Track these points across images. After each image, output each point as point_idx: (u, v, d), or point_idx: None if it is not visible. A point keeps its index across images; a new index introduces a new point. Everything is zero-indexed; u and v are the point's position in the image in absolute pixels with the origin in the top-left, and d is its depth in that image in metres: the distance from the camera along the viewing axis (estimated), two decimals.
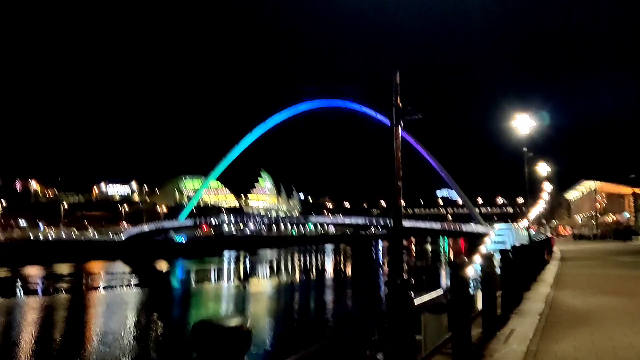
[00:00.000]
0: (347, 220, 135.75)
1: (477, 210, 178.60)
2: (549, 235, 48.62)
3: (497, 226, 53.79)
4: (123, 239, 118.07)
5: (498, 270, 11.02)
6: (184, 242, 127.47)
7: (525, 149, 36.48)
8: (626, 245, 49.93)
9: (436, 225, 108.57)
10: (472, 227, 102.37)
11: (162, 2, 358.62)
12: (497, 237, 45.71)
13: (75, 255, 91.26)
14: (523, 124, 31.90)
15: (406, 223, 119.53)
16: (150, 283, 56.62)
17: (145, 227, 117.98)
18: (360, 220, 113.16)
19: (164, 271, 77.21)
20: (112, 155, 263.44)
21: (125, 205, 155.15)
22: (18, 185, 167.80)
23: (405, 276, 6.41)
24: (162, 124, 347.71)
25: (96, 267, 79.97)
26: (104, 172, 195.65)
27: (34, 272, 70.27)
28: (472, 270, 14.03)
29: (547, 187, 56.12)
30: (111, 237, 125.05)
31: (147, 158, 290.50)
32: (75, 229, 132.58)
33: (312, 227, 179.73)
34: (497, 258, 11.34)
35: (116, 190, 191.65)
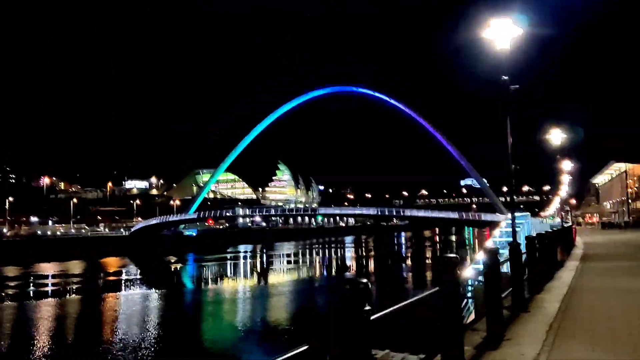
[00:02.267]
0: (359, 211, 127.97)
1: (500, 199, 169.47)
2: (569, 224, 40.27)
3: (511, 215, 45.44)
4: (127, 234, 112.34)
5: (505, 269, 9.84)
6: (194, 235, 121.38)
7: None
8: None
9: (453, 215, 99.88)
10: (491, 217, 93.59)
11: None
12: (509, 228, 37.47)
13: (83, 252, 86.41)
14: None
15: (420, 213, 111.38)
16: (163, 282, 52.00)
17: (153, 221, 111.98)
18: (372, 211, 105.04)
19: (174, 269, 71.30)
20: (133, 151, 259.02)
21: (138, 200, 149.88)
22: (38, 182, 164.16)
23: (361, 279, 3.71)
24: (181, 118, 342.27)
25: (110, 264, 75.29)
26: (125, 169, 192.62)
27: (43, 270, 65.71)
28: (471, 270, 12.84)
29: (567, 168, 48.40)
30: (122, 232, 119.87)
31: (168, 154, 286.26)
32: (86, 225, 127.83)
33: (320, 218, 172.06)
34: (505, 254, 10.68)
35: (134, 185, 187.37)
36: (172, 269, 71.14)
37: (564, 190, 60.63)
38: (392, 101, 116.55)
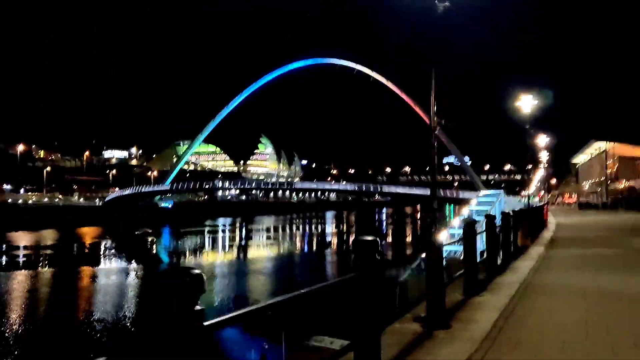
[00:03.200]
0: (336, 187, 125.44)
1: (481, 177, 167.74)
2: (541, 203, 37.48)
3: (483, 192, 42.34)
4: (100, 204, 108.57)
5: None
6: (169, 207, 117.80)
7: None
8: None
9: (426, 192, 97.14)
10: (469, 194, 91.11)
11: None
12: (478, 206, 34.55)
13: (55, 221, 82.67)
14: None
15: (399, 189, 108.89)
16: (136, 255, 48.88)
17: (126, 191, 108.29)
18: (349, 187, 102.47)
19: (149, 240, 68.01)
20: (114, 121, 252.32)
21: (115, 170, 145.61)
22: (14, 150, 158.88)
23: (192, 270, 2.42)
24: (164, 88, 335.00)
25: (84, 234, 72.47)
26: (105, 138, 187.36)
27: (14, 240, 61.81)
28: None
29: (542, 143, 45.97)
30: (97, 202, 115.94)
31: (150, 124, 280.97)
32: (59, 194, 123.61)
33: (301, 193, 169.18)
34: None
35: (113, 154, 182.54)
36: (147, 241, 68.14)
37: (543, 168, 57.95)
38: (374, 74, 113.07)
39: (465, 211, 34.66)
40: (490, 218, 11.65)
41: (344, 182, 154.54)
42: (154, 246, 64.09)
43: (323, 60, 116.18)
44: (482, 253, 12.61)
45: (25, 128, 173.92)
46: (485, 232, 11.32)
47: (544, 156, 53.84)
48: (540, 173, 64.97)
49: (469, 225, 9.18)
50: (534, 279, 10.79)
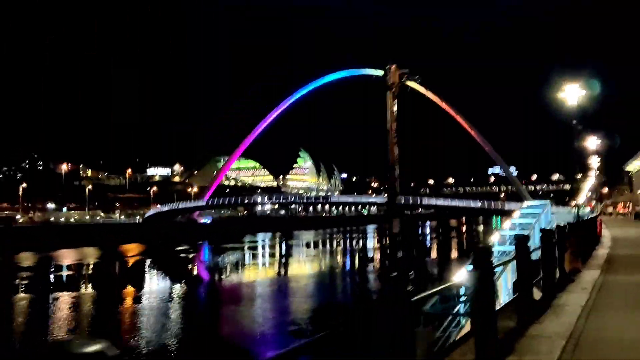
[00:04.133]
0: (372, 200, 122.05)
1: (528, 187, 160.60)
2: (594, 214, 33.01)
3: (527, 203, 38.08)
4: (140, 221, 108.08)
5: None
6: (208, 223, 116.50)
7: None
8: None
9: (475, 204, 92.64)
10: (515, 205, 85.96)
11: None
12: (522, 219, 30.55)
13: (96, 239, 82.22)
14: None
15: (439, 202, 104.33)
16: (174, 274, 47.89)
17: (165, 208, 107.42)
18: (379, 200, 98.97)
19: (186, 258, 66.60)
20: (157, 138, 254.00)
21: (157, 187, 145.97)
22: (60, 168, 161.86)
23: None
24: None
25: (129, 251, 73.38)
26: (149, 156, 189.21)
27: (59, 258, 62.96)
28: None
29: (593, 146, 41.47)
30: (138, 219, 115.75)
31: (192, 141, 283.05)
32: (101, 212, 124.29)
33: (341, 206, 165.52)
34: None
35: (156, 172, 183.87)
36: (184, 259, 66.63)
37: (593, 175, 52.93)
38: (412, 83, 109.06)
39: (506, 225, 30.69)
40: (522, 241, 8.13)
41: (385, 194, 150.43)
42: (194, 263, 62.59)
43: (359, 71, 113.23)
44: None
45: (70, 146, 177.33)
46: (516, 259, 7.87)
47: (594, 162, 48.92)
48: (590, 181, 59.70)
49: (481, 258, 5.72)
50: (588, 326, 7.25)
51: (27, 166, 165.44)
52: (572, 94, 25.23)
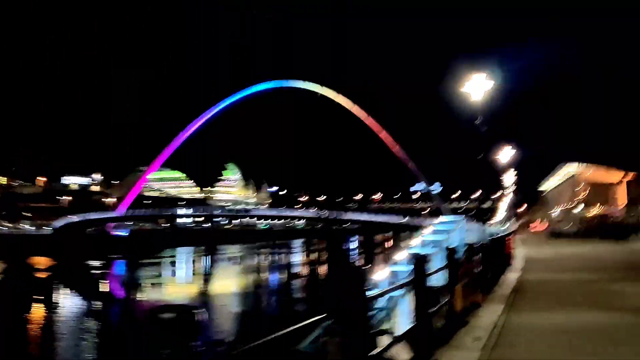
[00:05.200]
0: (296, 213, 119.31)
1: (450, 204, 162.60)
2: (504, 232, 31.02)
3: (441, 219, 35.70)
4: (49, 232, 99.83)
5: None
6: (124, 235, 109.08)
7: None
8: (625, 250, 32.38)
9: (397, 219, 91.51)
10: (430, 222, 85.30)
11: None
12: (432, 236, 27.89)
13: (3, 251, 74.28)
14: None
15: (362, 217, 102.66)
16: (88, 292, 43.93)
17: (74, 218, 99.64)
18: (308, 214, 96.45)
19: (97, 274, 60.44)
20: (76, 147, 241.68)
21: (71, 196, 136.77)
22: None
23: None
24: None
25: (37, 264, 67.87)
26: (68, 165, 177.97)
27: None
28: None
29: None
30: (48, 230, 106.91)
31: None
32: (7, 222, 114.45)
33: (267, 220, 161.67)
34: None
35: (73, 180, 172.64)
36: (95, 274, 60.62)
37: (509, 192, 51.91)
38: (346, 102, 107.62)
39: (415, 242, 27.87)
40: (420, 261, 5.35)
41: (314, 208, 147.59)
42: (106, 280, 56.97)
43: (285, 82, 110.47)
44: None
45: None
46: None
47: (509, 178, 47.78)
48: (507, 199, 58.98)
49: None
50: None
51: None
52: (477, 86, 22.66)
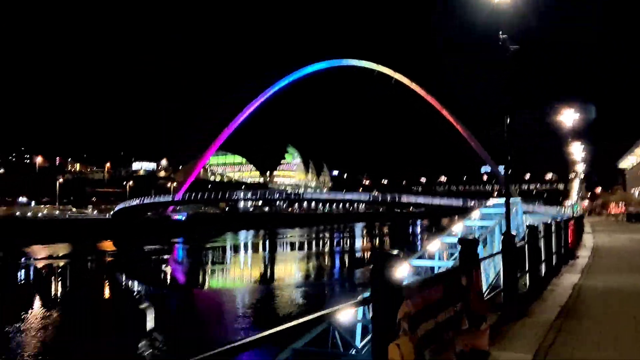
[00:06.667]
0: (351, 197, 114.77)
1: (521, 186, 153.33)
2: (568, 216, 25.58)
3: (492, 201, 30.54)
4: (109, 216, 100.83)
5: None
6: (182, 219, 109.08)
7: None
8: None
9: (456, 202, 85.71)
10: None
11: None
12: (482, 221, 23.15)
13: (69, 235, 75.15)
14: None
15: (429, 200, 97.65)
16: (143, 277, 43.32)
17: (133, 202, 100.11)
18: (363, 197, 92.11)
19: (157, 258, 59.26)
20: (144, 133, 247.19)
21: (132, 181, 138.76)
22: (37, 161, 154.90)
23: None
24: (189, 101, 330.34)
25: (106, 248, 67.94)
26: (136, 150, 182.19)
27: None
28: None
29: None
30: (108, 215, 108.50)
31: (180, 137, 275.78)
32: (73, 207, 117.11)
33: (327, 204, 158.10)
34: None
35: (141, 166, 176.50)
36: (154, 259, 59.30)
37: (581, 175, 45.51)
38: (397, 75, 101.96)
39: (456, 228, 23.09)
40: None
41: (376, 192, 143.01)
42: (167, 265, 55.38)
43: (341, 61, 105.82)
44: None
45: (55, 140, 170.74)
46: None
47: (580, 164, 41.73)
48: (578, 180, 52.21)
49: None
50: None
51: (14, 159, 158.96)
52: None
